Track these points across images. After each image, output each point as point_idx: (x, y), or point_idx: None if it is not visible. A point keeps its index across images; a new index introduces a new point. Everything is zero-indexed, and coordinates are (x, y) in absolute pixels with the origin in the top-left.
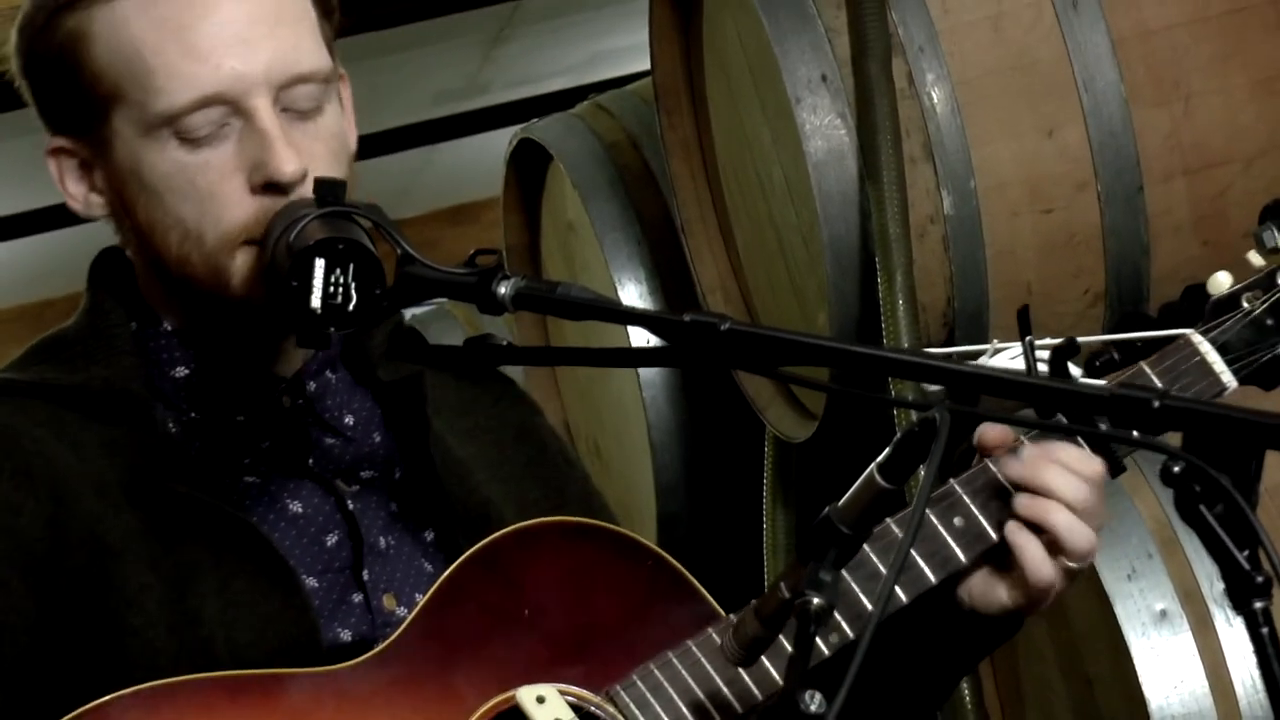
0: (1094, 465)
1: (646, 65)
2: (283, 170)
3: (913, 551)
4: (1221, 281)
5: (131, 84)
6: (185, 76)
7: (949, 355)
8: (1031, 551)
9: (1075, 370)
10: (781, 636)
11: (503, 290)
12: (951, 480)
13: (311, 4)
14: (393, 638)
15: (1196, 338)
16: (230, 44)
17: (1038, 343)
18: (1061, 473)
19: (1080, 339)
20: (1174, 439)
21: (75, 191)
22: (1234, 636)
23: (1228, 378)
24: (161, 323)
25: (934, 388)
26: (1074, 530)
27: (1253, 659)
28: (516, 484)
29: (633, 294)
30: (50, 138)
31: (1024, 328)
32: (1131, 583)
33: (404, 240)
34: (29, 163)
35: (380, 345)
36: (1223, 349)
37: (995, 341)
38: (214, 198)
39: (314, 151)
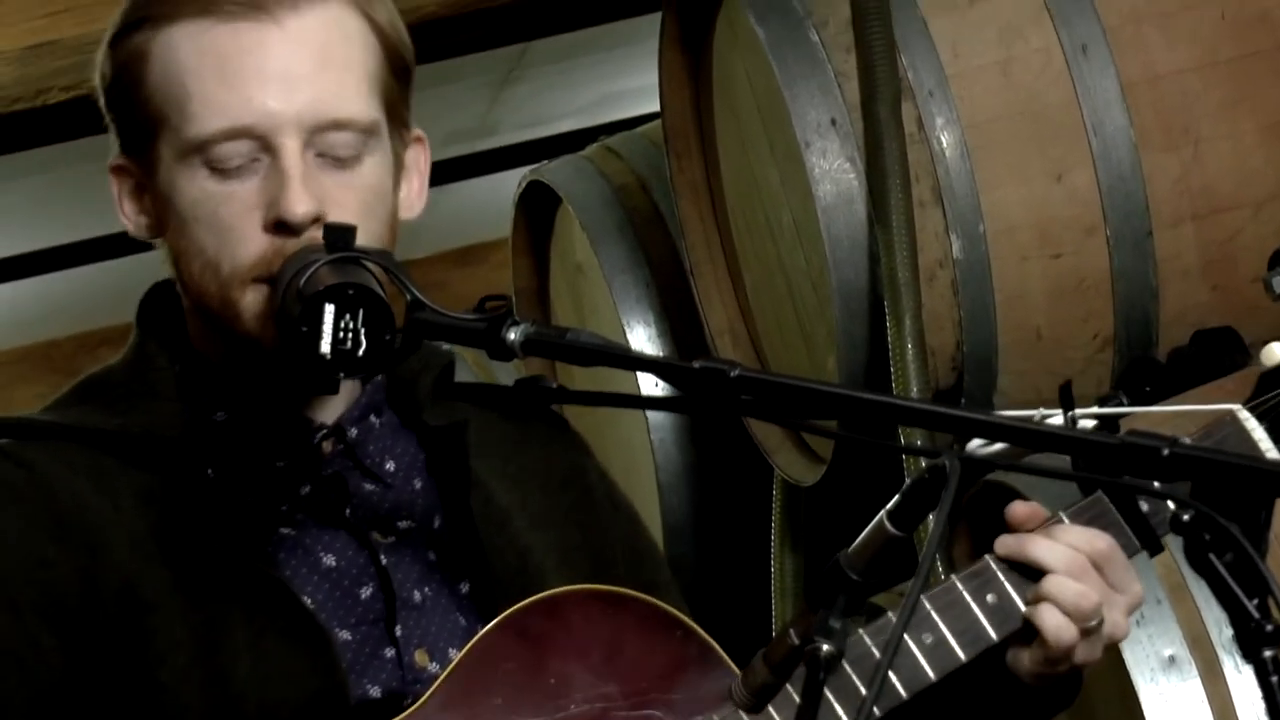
0: (1093, 541)
1: (656, 107)
2: (293, 210)
3: (943, 627)
4: (1276, 353)
5: (172, 108)
6: (217, 105)
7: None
8: (1045, 616)
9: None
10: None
11: (512, 336)
12: (986, 556)
13: (379, 58)
14: (416, 706)
15: (1243, 414)
16: (268, 79)
17: (1080, 413)
18: (1049, 545)
19: (1126, 410)
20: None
21: (129, 210)
22: (1243, 683)
23: (1274, 455)
24: (205, 363)
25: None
26: (1064, 591)
27: (1262, 706)
28: (559, 530)
29: (641, 337)
30: (115, 155)
31: (1066, 403)
32: (1140, 628)
33: (413, 286)
34: (34, 203)
35: (428, 387)
36: (1271, 426)
37: (1041, 409)
38: (232, 230)
39: (341, 200)
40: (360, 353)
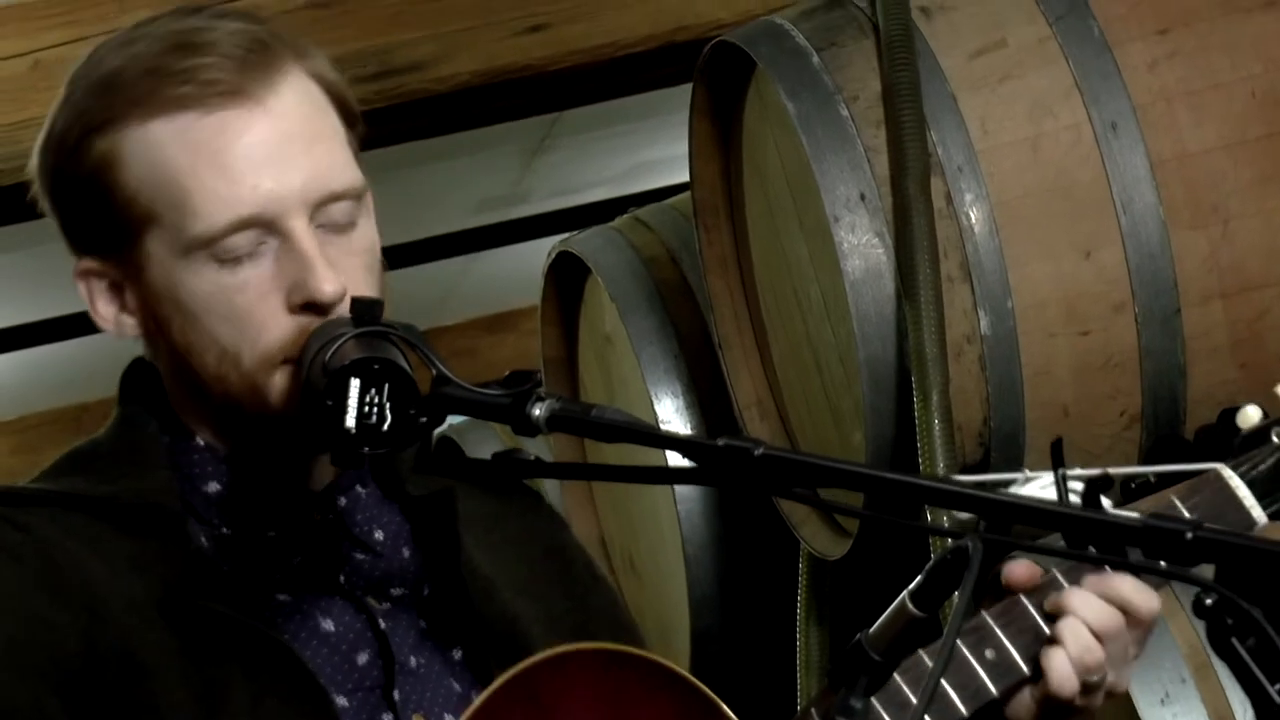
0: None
1: (686, 176)
2: (323, 290)
3: (944, 683)
4: (1251, 416)
5: (166, 207)
6: (221, 199)
7: (979, 484)
8: (1057, 665)
9: (1107, 502)
10: None
11: (537, 412)
12: (983, 612)
13: (340, 118)
14: None
15: (1227, 472)
16: (264, 164)
17: (1070, 474)
18: (1084, 596)
19: (1112, 470)
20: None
21: (106, 313)
22: None
23: (1258, 513)
24: (193, 437)
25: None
26: (1080, 639)
27: None
28: (543, 599)
29: (669, 408)
30: (78, 260)
31: (1057, 459)
32: (1165, 707)
33: (439, 361)
34: (64, 269)
35: (409, 459)
36: (1252, 484)
37: (1026, 471)
38: (251, 317)
39: (348, 267)
40: (385, 427)
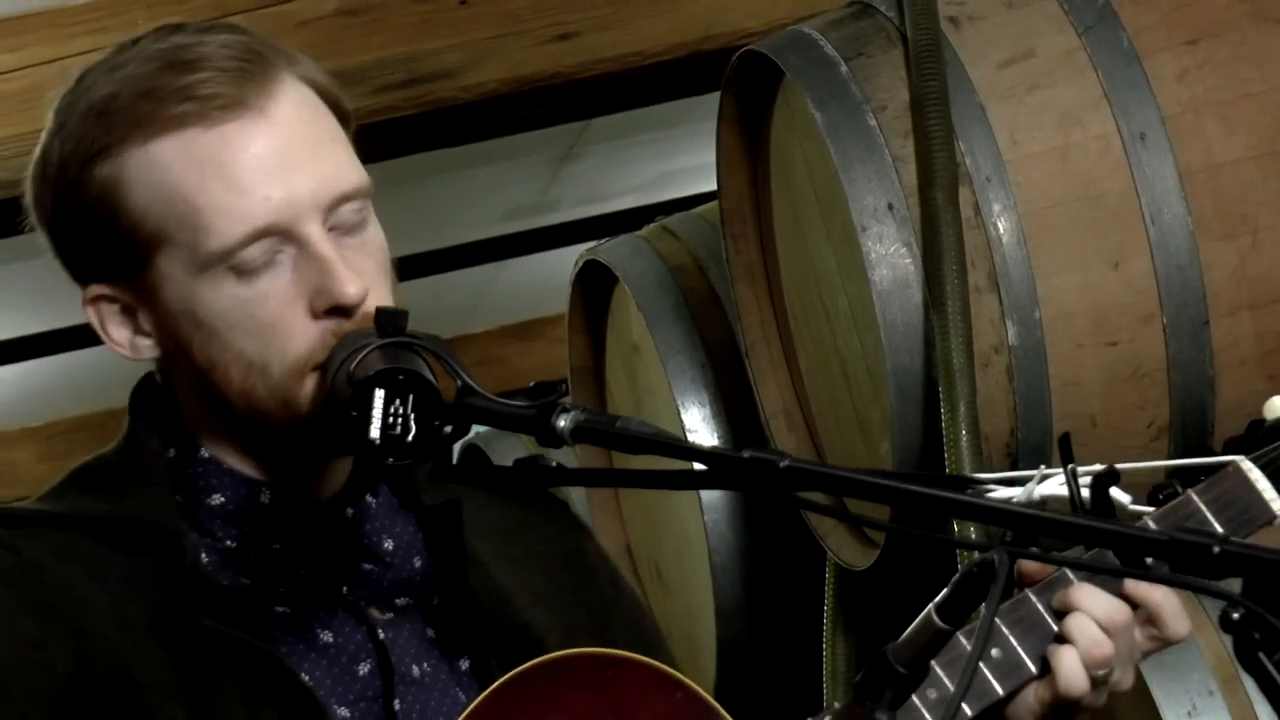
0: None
1: (714, 185)
2: (347, 293)
3: (947, 682)
4: (1277, 405)
5: (178, 226)
6: (234, 212)
7: (997, 481)
8: (1067, 663)
9: (1123, 497)
10: None
11: (562, 423)
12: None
13: (338, 119)
14: None
15: (1246, 465)
16: (273, 173)
17: (1080, 470)
18: (1091, 591)
19: (1125, 466)
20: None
21: (119, 337)
22: None
23: (1278, 505)
24: (199, 449)
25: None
26: (1088, 634)
27: None
28: (561, 611)
29: (696, 417)
30: (84, 288)
31: (1066, 455)
32: None
33: (464, 371)
34: None
35: (425, 469)
36: (1275, 477)
37: (1043, 468)
38: (277, 328)
39: (364, 268)
40: (410, 438)
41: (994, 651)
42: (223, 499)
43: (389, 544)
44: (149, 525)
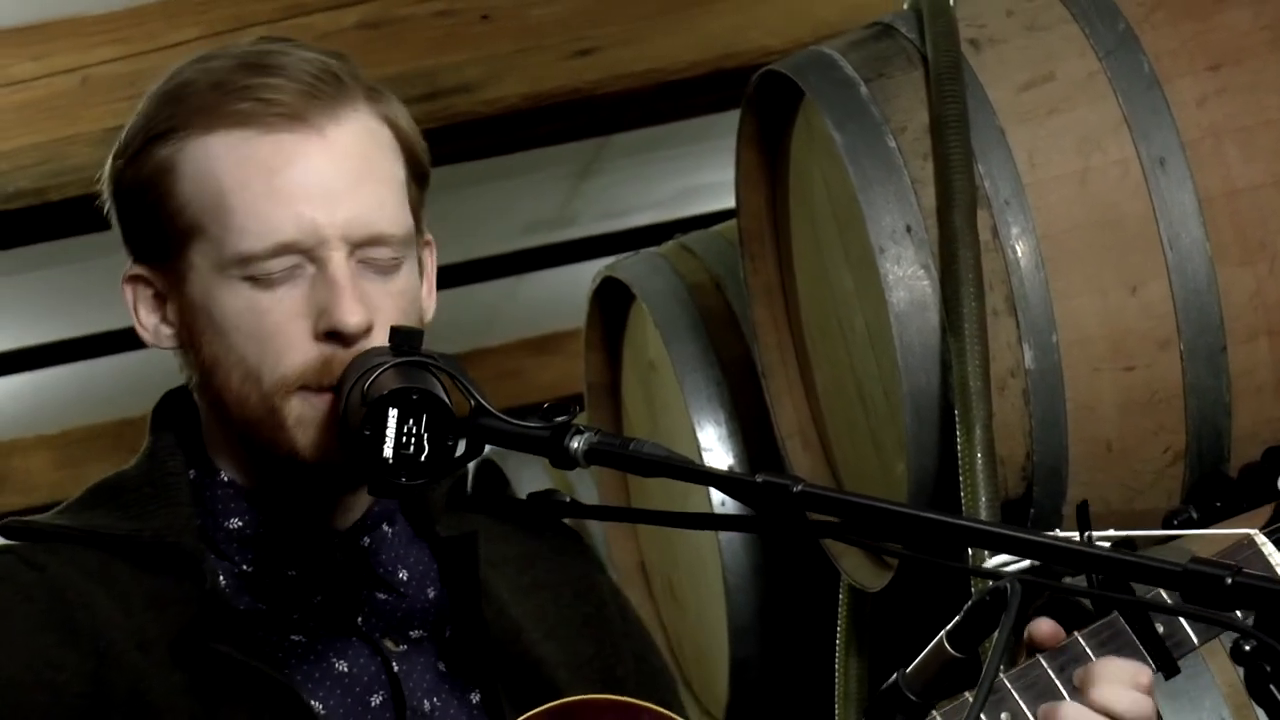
0: (1145, 676)
1: (733, 202)
2: (347, 321)
3: None
4: None
5: (212, 220)
6: (265, 220)
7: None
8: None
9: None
10: None
11: (575, 445)
12: (1001, 674)
13: (407, 168)
14: None
15: (1261, 539)
16: (313, 193)
17: (1096, 535)
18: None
19: (1139, 534)
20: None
21: (147, 321)
22: None
23: None
24: (219, 473)
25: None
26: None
27: None
28: (571, 643)
29: (712, 436)
30: (130, 265)
31: (1083, 523)
32: None
33: (478, 393)
34: (110, 284)
35: (441, 498)
36: None
37: (1056, 531)
38: (276, 338)
39: (383, 306)
40: (423, 458)
41: (1003, 715)
42: (240, 523)
43: (404, 574)
44: (170, 547)
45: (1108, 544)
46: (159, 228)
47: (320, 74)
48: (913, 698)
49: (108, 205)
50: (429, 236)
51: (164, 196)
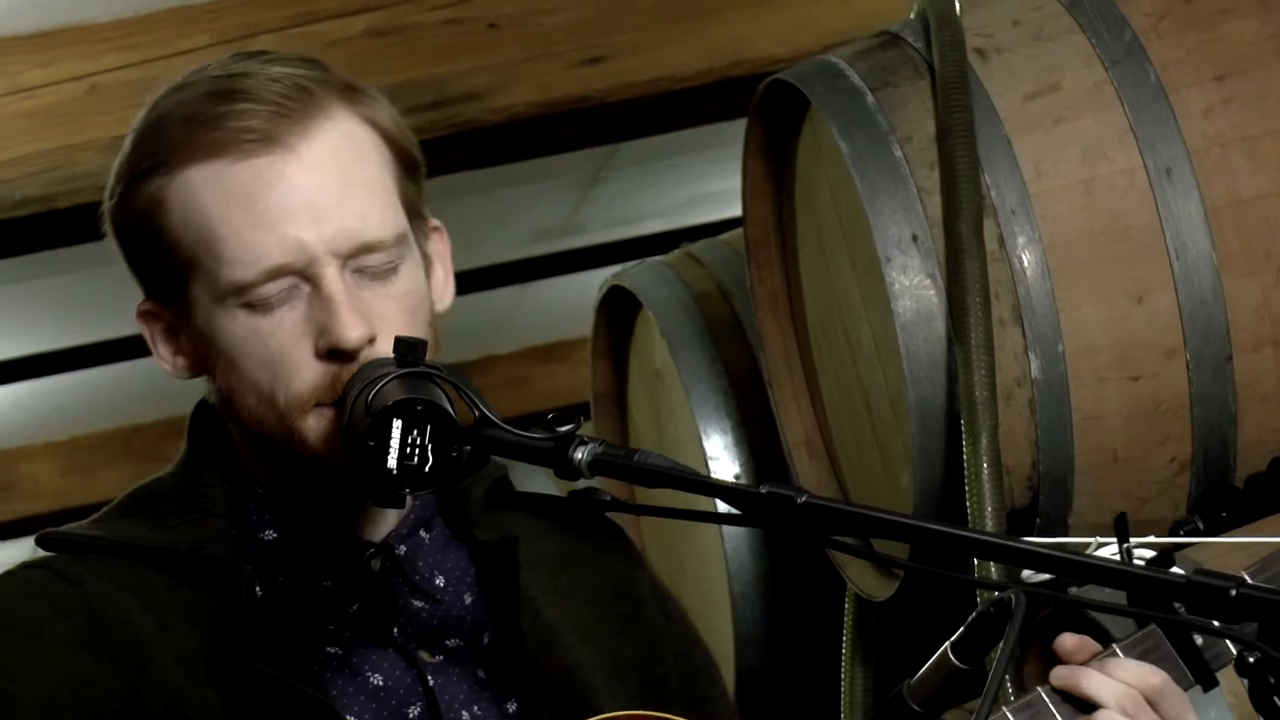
0: (1146, 676)
1: (740, 210)
2: (346, 338)
3: None
4: None
5: (204, 253)
6: (252, 247)
7: (1049, 545)
8: None
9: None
10: None
11: (579, 456)
12: (1039, 688)
13: (392, 164)
14: None
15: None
16: (295, 213)
17: (1136, 542)
18: (1102, 680)
19: (1173, 541)
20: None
21: (165, 354)
22: None
23: None
24: (254, 484)
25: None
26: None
27: None
28: (609, 644)
29: (718, 445)
30: (142, 299)
31: (1122, 534)
32: None
33: (482, 403)
34: (119, 291)
35: (479, 499)
36: None
37: (1098, 538)
38: (283, 362)
39: (385, 312)
40: (427, 468)
41: None
42: (275, 534)
43: (440, 580)
44: (207, 559)
45: (1150, 553)
46: (159, 263)
47: (289, 92)
48: (917, 709)
49: (113, 241)
50: (435, 222)
51: (158, 233)
